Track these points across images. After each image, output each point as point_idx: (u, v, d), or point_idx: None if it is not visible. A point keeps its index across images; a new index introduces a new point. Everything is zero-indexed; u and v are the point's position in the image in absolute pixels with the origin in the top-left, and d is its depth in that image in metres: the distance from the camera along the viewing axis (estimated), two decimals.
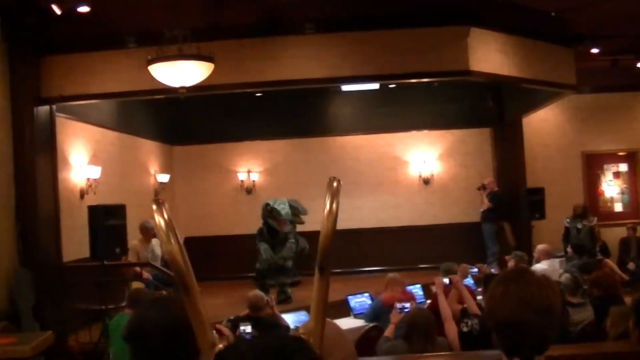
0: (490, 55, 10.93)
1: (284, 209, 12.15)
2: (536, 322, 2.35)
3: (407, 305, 7.12)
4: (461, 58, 10.42)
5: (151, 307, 2.40)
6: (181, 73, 8.44)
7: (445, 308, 6.70)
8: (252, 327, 6.09)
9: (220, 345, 1.66)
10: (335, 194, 1.80)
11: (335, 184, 1.85)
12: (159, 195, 15.24)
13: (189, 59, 8.37)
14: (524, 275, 2.46)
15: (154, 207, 1.72)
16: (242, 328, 6.00)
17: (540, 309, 2.36)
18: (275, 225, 12.15)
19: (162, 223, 1.71)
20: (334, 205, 1.77)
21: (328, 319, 3.21)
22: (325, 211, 1.78)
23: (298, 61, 10.39)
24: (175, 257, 1.70)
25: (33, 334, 7.36)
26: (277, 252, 12.20)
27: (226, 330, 2.97)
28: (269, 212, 12.18)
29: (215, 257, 15.45)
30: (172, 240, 1.70)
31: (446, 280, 7.56)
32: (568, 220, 13.39)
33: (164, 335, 2.23)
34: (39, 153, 9.83)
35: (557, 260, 11.12)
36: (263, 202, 12.57)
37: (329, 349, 2.69)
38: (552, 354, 4.56)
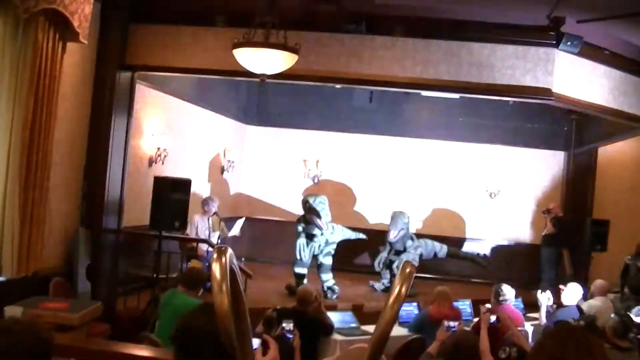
0: (575, 81, 10.77)
1: (323, 209, 12.28)
2: None
3: (455, 324, 7.10)
4: (546, 80, 10.30)
5: (201, 314, 2.44)
6: (265, 61, 8.46)
7: (485, 341, 6.64)
8: (295, 324, 6.12)
9: None
10: (406, 280, 1.77)
11: (408, 269, 1.80)
12: (226, 170, 15.42)
13: (275, 48, 8.39)
14: (566, 334, 2.45)
15: (215, 255, 1.72)
16: (284, 325, 6.04)
17: None
18: (312, 222, 12.26)
19: (219, 273, 1.70)
20: (403, 290, 1.74)
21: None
22: (392, 297, 1.75)
23: (382, 61, 10.36)
24: (223, 314, 1.69)
25: (83, 302, 7.52)
26: (311, 245, 12.44)
27: (273, 343, 2.98)
28: (307, 210, 12.30)
29: (274, 240, 15.59)
30: (225, 293, 1.68)
31: (493, 318, 7.49)
32: (629, 257, 13.11)
33: (209, 342, 2.27)
34: (115, 118, 9.98)
35: (612, 296, 10.91)
36: (304, 195, 12.83)
37: None
38: None
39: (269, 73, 8.58)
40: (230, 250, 1.79)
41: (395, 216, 13.32)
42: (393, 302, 1.67)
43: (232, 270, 1.77)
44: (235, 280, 1.77)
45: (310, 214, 12.18)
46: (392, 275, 13.16)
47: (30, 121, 7.53)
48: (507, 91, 10.54)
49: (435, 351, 6.72)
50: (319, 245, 12.33)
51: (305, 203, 12.36)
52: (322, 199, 12.37)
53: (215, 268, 1.68)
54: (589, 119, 14.66)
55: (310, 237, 12.30)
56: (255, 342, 3.99)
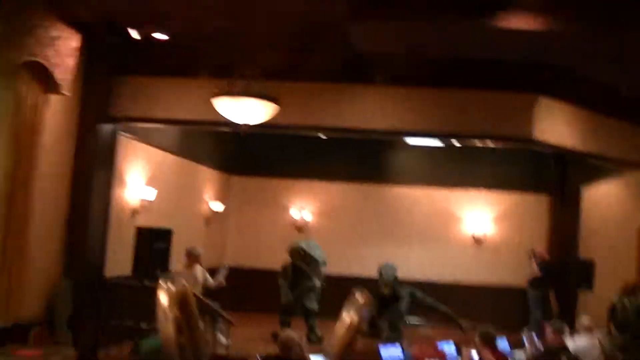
0: (556, 126, 10.85)
1: (320, 256, 12.30)
2: None
3: None
4: (526, 126, 10.35)
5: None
6: (245, 110, 8.54)
7: None
8: None
9: None
10: (359, 309, 1.76)
11: (361, 300, 1.79)
12: (210, 223, 15.42)
13: (253, 97, 8.48)
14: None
15: (160, 282, 1.69)
16: None
17: None
18: (305, 269, 12.25)
19: (165, 301, 1.66)
20: (355, 319, 1.73)
21: None
22: (346, 322, 1.72)
23: (363, 109, 10.44)
24: (167, 341, 1.66)
25: (58, 351, 7.46)
26: (298, 291, 12.38)
27: None
28: (301, 257, 12.30)
29: (260, 289, 15.52)
30: (170, 323, 1.65)
31: (475, 357, 7.48)
32: (616, 296, 13.14)
33: None
34: (97, 169, 10.04)
35: (599, 335, 10.90)
36: (293, 242, 12.76)
37: None
38: None
39: (250, 123, 8.65)
40: (183, 282, 1.77)
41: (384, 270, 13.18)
42: (348, 329, 1.66)
43: (185, 301, 1.77)
44: (189, 311, 1.77)
45: (303, 262, 12.25)
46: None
47: (10, 173, 7.57)
48: (489, 137, 10.65)
49: None
50: (308, 290, 12.36)
51: (298, 251, 12.38)
52: (313, 243, 12.43)
53: (162, 296, 1.66)
54: (574, 162, 14.74)
55: (298, 283, 12.33)
56: None
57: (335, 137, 13.87)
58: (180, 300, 1.57)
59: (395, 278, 12.82)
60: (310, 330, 12.29)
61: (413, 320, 12.27)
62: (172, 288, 1.53)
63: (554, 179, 15.90)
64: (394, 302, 12.90)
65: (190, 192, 14.75)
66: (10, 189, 7.57)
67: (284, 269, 12.64)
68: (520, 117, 10.40)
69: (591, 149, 11.57)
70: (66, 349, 7.81)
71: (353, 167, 16.63)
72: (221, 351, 10.43)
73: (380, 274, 12.85)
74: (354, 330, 1.61)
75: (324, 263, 12.62)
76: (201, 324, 7.21)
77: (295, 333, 8.36)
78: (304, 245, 12.39)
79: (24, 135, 7.77)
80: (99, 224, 10.10)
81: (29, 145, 7.87)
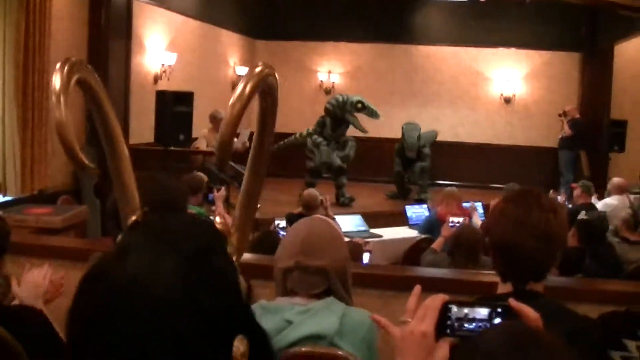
0: None
1: (374, 111, 12.16)
2: (530, 245, 2.23)
3: (460, 220, 7.06)
4: None
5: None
6: None
7: None
8: (288, 222, 6.05)
9: (135, 216, 1.43)
10: (253, 78, 1.54)
11: (258, 70, 1.57)
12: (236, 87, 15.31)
13: None
14: (528, 196, 2.35)
15: (58, 66, 1.49)
16: (277, 222, 5.97)
17: (537, 233, 2.24)
18: (357, 126, 12.15)
19: (58, 84, 1.46)
20: (248, 89, 1.52)
21: (323, 217, 3.16)
22: (235, 95, 1.53)
23: None
24: (60, 126, 1.46)
25: (68, 206, 7.47)
26: (334, 151, 12.22)
27: (227, 217, 2.90)
28: (357, 109, 12.17)
29: (287, 155, 15.49)
30: (62, 104, 1.45)
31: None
32: None
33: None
34: (114, 37, 9.84)
35: (632, 197, 10.76)
36: (341, 95, 12.52)
37: (317, 247, 2.65)
38: (601, 288, 4.50)
39: None
40: (82, 61, 1.54)
41: (407, 131, 13.04)
42: (235, 102, 1.47)
43: (91, 87, 1.54)
44: (99, 97, 1.55)
45: (354, 114, 12.17)
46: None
47: (22, 42, 7.46)
48: None
49: (439, 247, 6.70)
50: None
51: (356, 103, 12.22)
52: (363, 98, 12.33)
53: (56, 79, 1.45)
54: (605, 17, 14.29)
55: (335, 138, 12.33)
56: None
57: None
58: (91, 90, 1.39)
59: (419, 136, 12.69)
60: (340, 190, 12.25)
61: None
62: (67, 70, 1.32)
63: (585, 35, 15.51)
64: (418, 161, 12.87)
65: (214, 57, 14.56)
66: (23, 59, 7.47)
67: (321, 122, 12.58)
68: None
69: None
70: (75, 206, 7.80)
71: (379, 27, 16.26)
72: None
73: (403, 135, 12.73)
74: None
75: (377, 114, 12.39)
76: None
77: (317, 192, 8.34)
78: (359, 97, 12.26)
79: (33, 2, 7.60)
80: (119, 91, 9.99)
81: (39, 13, 7.70)
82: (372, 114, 12.12)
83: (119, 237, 1.25)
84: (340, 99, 12.25)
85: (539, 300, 2.17)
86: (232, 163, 10.42)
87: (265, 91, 1.60)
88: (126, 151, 1.62)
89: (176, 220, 1.30)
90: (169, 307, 1.10)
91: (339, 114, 12.16)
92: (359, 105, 12.05)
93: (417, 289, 1.58)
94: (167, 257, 1.14)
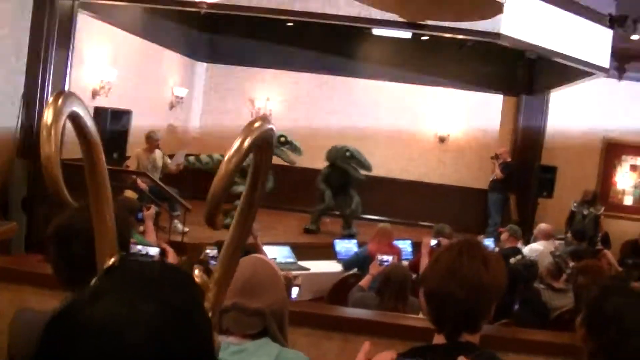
0: (524, 22, 10.66)
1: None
2: (460, 296, 2.24)
3: (389, 258, 7.07)
4: (494, 20, 10.15)
5: (77, 214, 2.40)
6: None
7: (425, 263, 6.62)
8: (219, 251, 5.97)
9: (112, 260, 1.47)
10: (252, 134, 1.55)
11: (257, 124, 1.58)
12: (174, 108, 15.22)
13: None
14: (462, 246, 2.36)
15: (51, 99, 1.48)
16: (207, 251, 5.91)
17: (467, 283, 2.24)
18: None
19: (50, 118, 1.44)
20: (246, 143, 1.52)
21: (263, 257, 3.14)
22: (232, 149, 1.53)
23: None
24: (46, 160, 1.45)
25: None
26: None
27: (170, 251, 2.88)
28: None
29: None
30: (53, 137, 1.45)
31: (434, 242, 7.48)
32: (575, 204, 13.22)
33: (84, 242, 2.20)
34: (55, 47, 9.69)
35: (556, 242, 10.94)
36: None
37: (257, 289, 2.63)
38: (523, 337, 4.53)
39: (209, 0, 8.34)
40: (75, 96, 1.53)
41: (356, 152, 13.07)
42: (231, 156, 1.46)
43: (82, 125, 1.54)
44: (89, 135, 1.55)
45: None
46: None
47: None
48: (456, 30, 10.41)
49: (366, 285, 6.70)
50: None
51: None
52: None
53: (48, 112, 1.44)
54: (542, 64, 14.56)
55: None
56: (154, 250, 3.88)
57: (303, 27, 13.60)
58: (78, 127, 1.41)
59: (345, 157, 12.81)
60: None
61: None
62: (61, 103, 1.34)
63: (521, 80, 15.78)
64: (345, 187, 12.91)
65: (154, 75, 14.43)
66: None
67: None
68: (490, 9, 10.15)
69: (558, 48, 11.38)
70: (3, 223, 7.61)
71: (320, 57, 16.31)
72: (177, 238, 10.39)
73: (351, 157, 12.82)
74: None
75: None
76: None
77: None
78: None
79: None
80: None
81: None
82: (295, 149, 12.28)
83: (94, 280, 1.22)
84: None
85: (474, 352, 2.18)
86: (163, 185, 10.36)
87: (262, 147, 1.59)
88: (110, 196, 1.61)
89: (154, 268, 1.27)
90: (139, 357, 1.08)
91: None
92: (282, 139, 12.15)
93: (367, 345, 1.57)
94: (143, 305, 1.11)
